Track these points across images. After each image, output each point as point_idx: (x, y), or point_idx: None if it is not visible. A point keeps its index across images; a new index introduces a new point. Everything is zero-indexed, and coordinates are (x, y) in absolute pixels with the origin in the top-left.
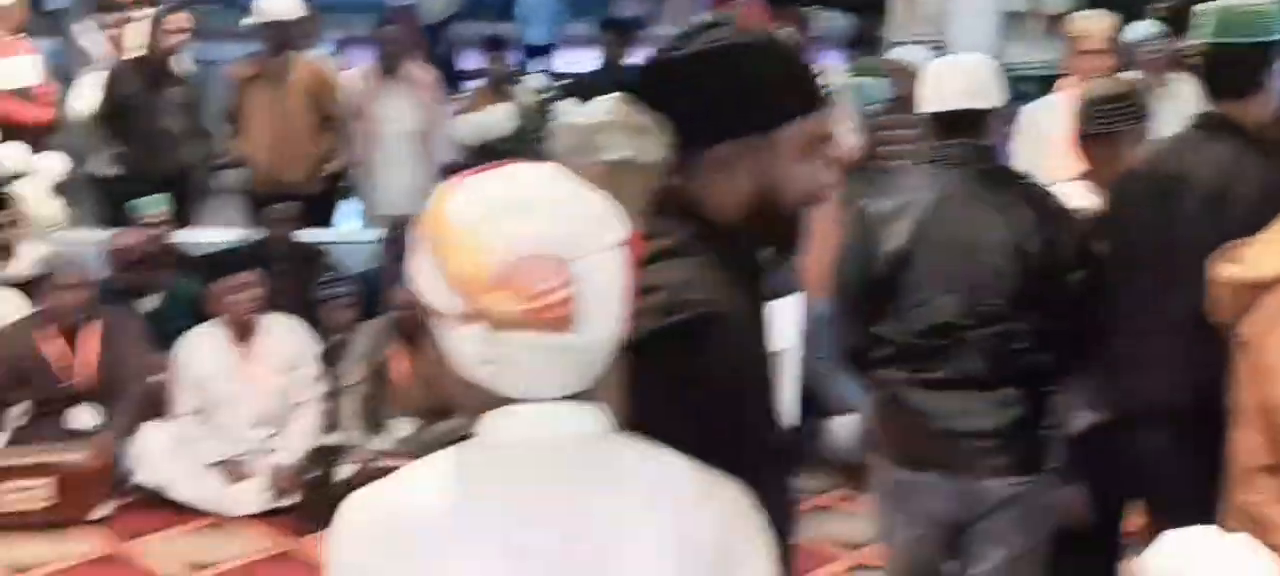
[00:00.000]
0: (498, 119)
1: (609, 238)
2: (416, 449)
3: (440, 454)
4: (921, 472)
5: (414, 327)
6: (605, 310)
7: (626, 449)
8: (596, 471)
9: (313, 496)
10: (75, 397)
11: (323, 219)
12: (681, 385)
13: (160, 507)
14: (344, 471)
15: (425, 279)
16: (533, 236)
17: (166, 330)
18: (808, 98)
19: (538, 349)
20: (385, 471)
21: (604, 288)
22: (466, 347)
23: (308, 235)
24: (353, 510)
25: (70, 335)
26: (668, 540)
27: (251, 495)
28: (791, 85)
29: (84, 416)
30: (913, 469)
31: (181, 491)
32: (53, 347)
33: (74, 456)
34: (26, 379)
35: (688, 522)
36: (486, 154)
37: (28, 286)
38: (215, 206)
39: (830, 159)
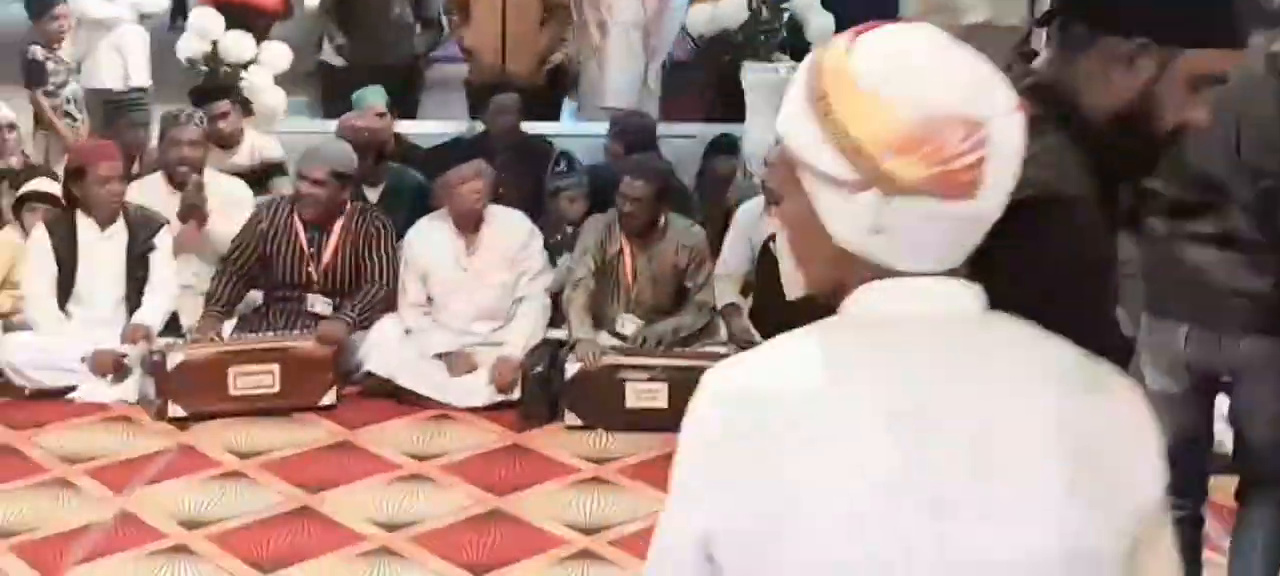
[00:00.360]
0: (732, 9)
1: (1012, 100)
2: (642, 345)
3: (802, 331)
4: (1178, 323)
5: (641, 222)
6: (1005, 176)
7: (1011, 328)
8: (981, 349)
9: (536, 391)
10: (315, 286)
11: (545, 113)
12: (1022, 265)
13: (387, 397)
14: (569, 367)
15: (806, 143)
16: (945, 97)
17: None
18: (1238, 32)
19: (935, 217)
20: (611, 369)
21: (1008, 152)
22: (853, 216)
23: (533, 128)
24: (718, 382)
25: (324, 223)
26: (1051, 425)
27: (476, 388)
28: (1240, 11)
29: (319, 305)
30: (1170, 318)
31: (407, 380)
32: (299, 232)
33: (300, 343)
34: (274, 259)
35: (1073, 410)
36: (719, 45)
37: (251, 177)
38: (439, 98)
39: (1207, 98)
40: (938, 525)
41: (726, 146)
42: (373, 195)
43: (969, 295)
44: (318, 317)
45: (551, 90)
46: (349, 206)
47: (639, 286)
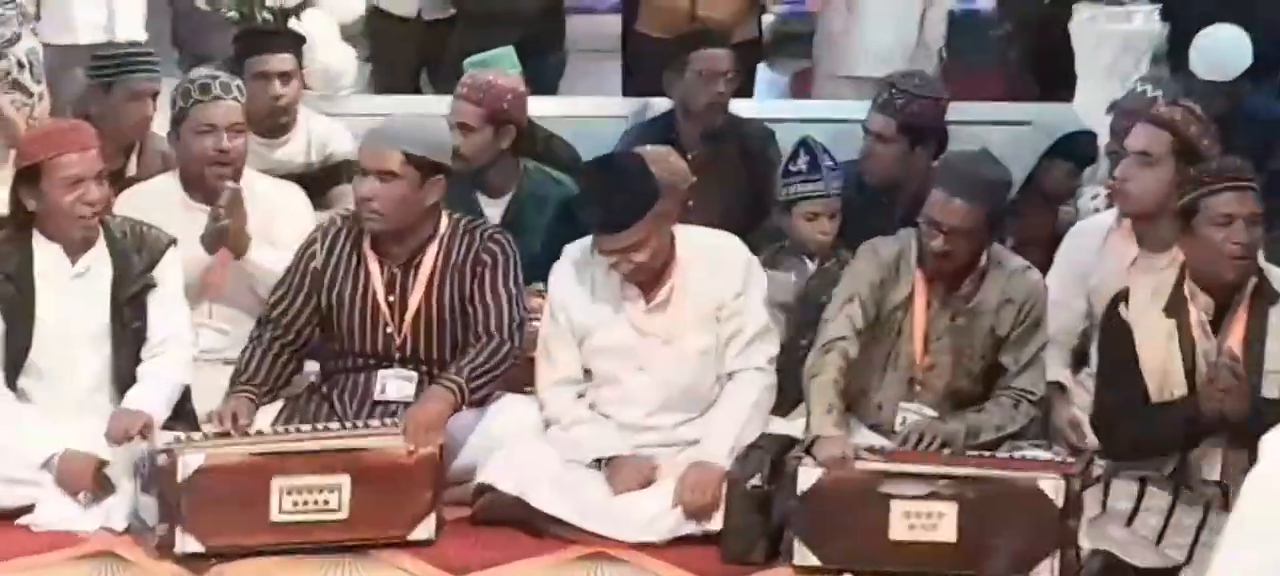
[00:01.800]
0: None
1: None
2: (918, 446)
3: None
4: None
5: (959, 264)
6: None
7: None
8: None
9: (748, 517)
10: (392, 355)
11: (743, 83)
12: None
13: (514, 525)
14: (802, 477)
15: None
16: None
17: (519, 250)
18: None
19: None
20: (870, 479)
21: None
22: None
23: (742, 108)
24: None
25: (403, 251)
26: None
27: (655, 512)
28: None
29: (398, 383)
30: None
31: (547, 500)
32: (375, 271)
33: (383, 442)
34: (337, 313)
35: None
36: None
37: (308, 180)
38: (588, 67)
39: None
40: None
41: (1073, 150)
42: (495, 212)
43: None
44: (393, 406)
45: (759, 48)
46: (446, 223)
47: (933, 358)
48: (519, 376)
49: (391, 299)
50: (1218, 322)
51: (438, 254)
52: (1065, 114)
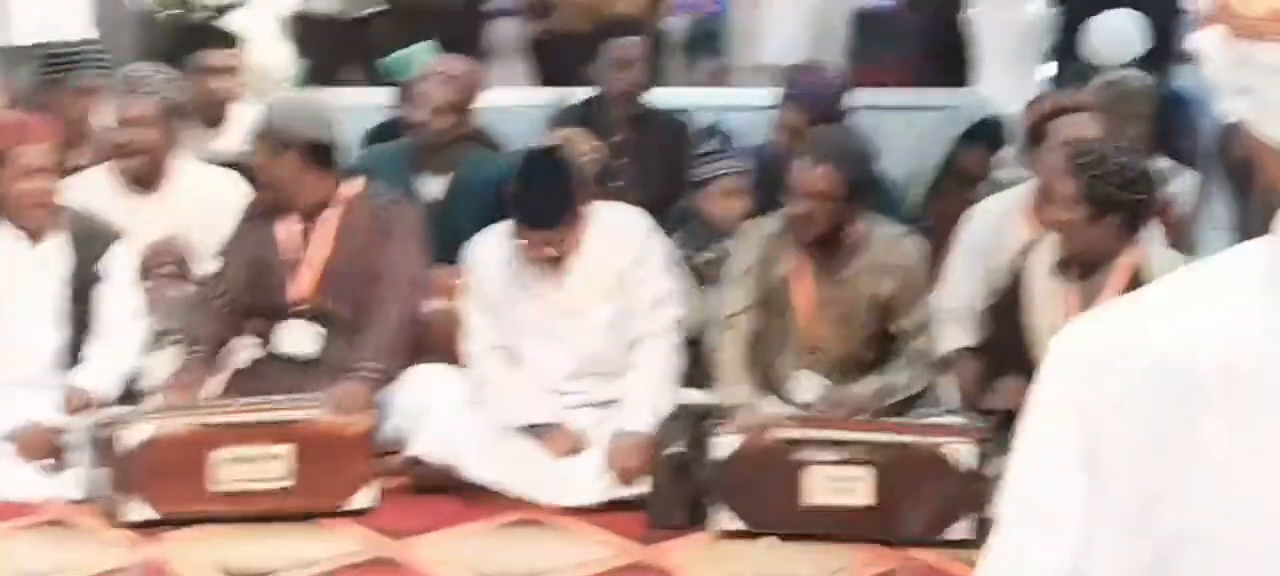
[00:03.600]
0: None
1: None
2: (829, 416)
3: (1221, 264)
4: None
5: (821, 229)
6: None
7: None
8: None
9: (671, 482)
10: (299, 310)
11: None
12: None
13: (447, 493)
14: (720, 444)
15: None
16: None
17: (454, 229)
18: None
19: None
20: (785, 447)
21: None
22: (1223, 76)
23: (658, 98)
24: (1082, 344)
25: (310, 216)
26: None
27: (582, 478)
28: None
29: (299, 336)
30: None
31: (478, 468)
32: (289, 237)
33: (318, 414)
34: (259, 284)
35: None
36: None
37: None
38: (506, 55)
39: None
40: None
41: (986, 134)
42: (436, 189)
43: None
44: (294, 363)
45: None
46: (343, 189)
47: (819, 328)
48: (436, 343)
49: (292, 257)
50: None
51: (340, 215)
52: (974, 99)
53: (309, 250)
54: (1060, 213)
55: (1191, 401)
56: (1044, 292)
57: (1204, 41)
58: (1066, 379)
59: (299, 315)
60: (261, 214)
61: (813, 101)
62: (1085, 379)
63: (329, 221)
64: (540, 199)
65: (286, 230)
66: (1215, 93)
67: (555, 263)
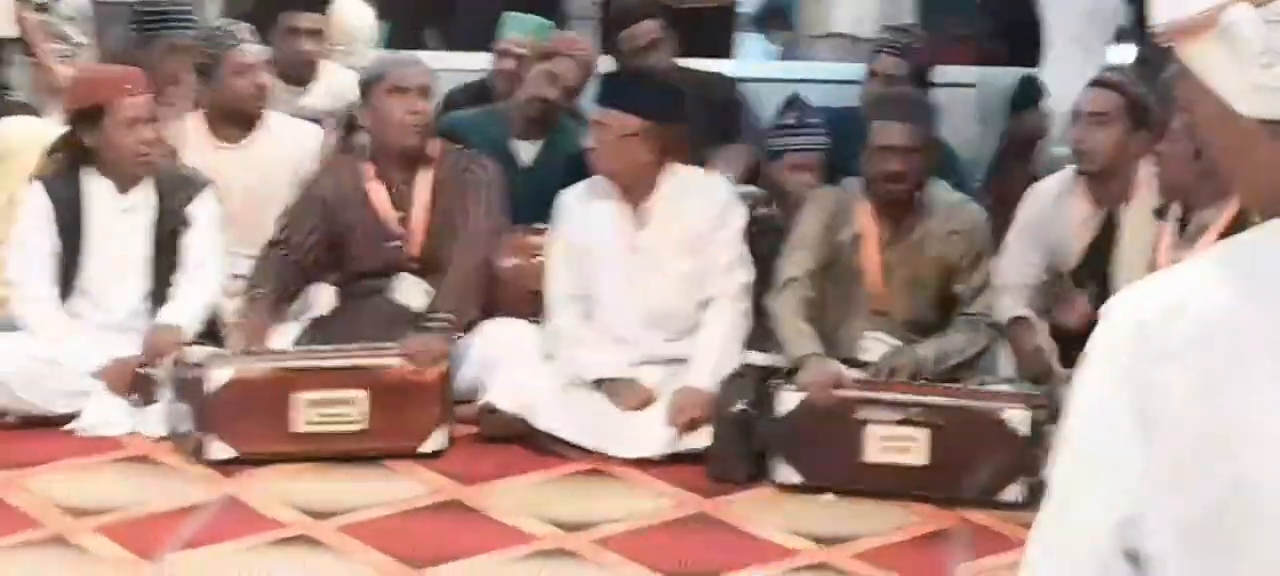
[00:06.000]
0: None
1: None
2: (891, 377)
3: (1231, 244)
4: None
5: (904, 189)
6: None
7: None
8: None
9: (734, 437)
10: (406, 265)
11: (720, 46)
12: None
13: (516, 441)
14: (782, 401)
15: None
16: None
17: (544, 194)
18: None
19: None
20: (846, 405)
21: None
22: (1237, 62)
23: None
24: (1133, 309)
25: (407, 176)
26: None
27: (646, 430)
28: None
29: (411, 291)
30: None
31: (548, 420)
32: (378, 195)
33: (397, 361)
34: (349, 239)
35: None
36: None
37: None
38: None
39: None
40: None
41: (1032, 93)
42: (528, 155)
43: None
44: (413, 317)
45: (732, 15)
46: (437, 148)
47: (891, 288)
48: (512, 299)
49: (400, 215)
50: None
51: (434, 175)
52: (1002, 76)
53: (413, 209)
54: (1164, 146)
55: (1240, 354)
56: (1141, 236)
57: (1235, 14)
58: (1116, 341)
59: (410, 270)
60: (345, 171)
61: (913, 55)
62: (1134, 339)
63: (424, 180)
64: (639, 87)
65: (376, 189)
66: (1246, 73)
67: (634, 202)
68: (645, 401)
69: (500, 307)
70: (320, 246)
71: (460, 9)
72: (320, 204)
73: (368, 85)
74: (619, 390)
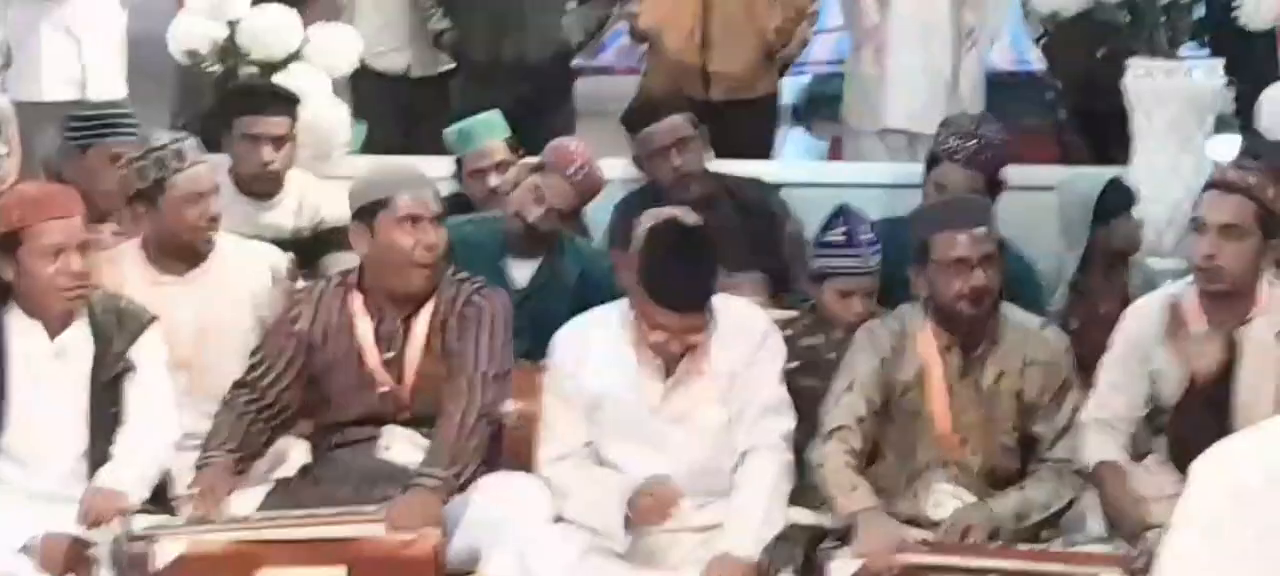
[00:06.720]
0: None
1: None
2: (965, 537)
3: None
4: None
5: (987, 310)
6: None
7: None
8: None
9: None
10: (394, 415)
11: (761, 143)
12: None
13: None
14: (838, 570)
15: None
16: None
17: (540, 320)
18: None
19: None
20: (909, 574)
21: None
22: None
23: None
24: (1232, 469)
25: (402, 311)
26: None
27: None
28: None
29: (401, 445)
30: None
31: None
32: (365, 332)
33: (381, 530)
34: (327, 379)
35: None
36: (1083, 32)
37: (300, 247)
38: (602, 128)
39: None
40: None
41: (1123, 199)
42: (522, 276)
43: None
44: (400, 475)
45: (776, 107)
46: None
47: (961, 432)
48: (514, 448)
49: (388, 357)
50: None
51: (433, 308)
52: (1084, 177)
53: (407, 349)
54: None
55: None
56: (1263, 364)
57: None
58: (1210, 502)
59: (401, 421)
60: (329, 300)
61: (983, 162)
62: (1230, 504)
63: (422, 315)
64: (690, 278)
65: (364, 324)
66: None
67: (685, 354)
68: (672, 502)
69: (501, 457)
70: (295, 392)
71: (451, 108)
72: (297, 340)
73: (370, 210)
74: (641, 501)
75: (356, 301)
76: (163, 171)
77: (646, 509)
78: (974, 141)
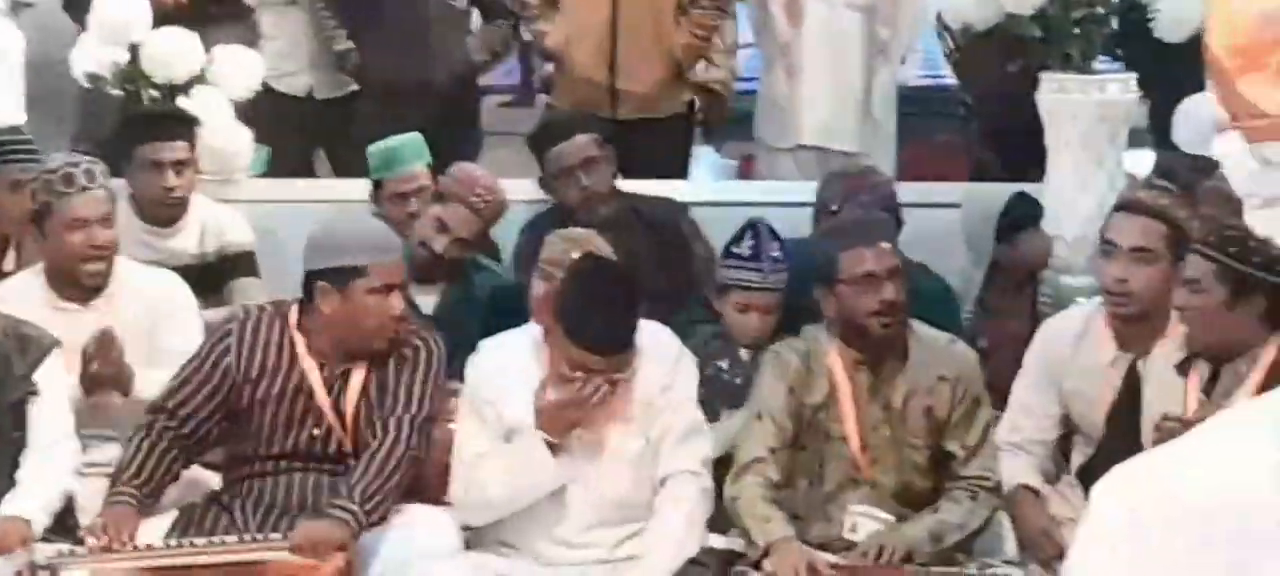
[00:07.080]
0: None
1: None
2: (879, 560)
3: (1254, 411)
4: None
5: (897, 329)
6: None
7: None
8: None
9: None
10: (335, 455)
11: (671, 162)
12: None
13: None
14: None
15: None
16: None
17: (451, 345)
18: None
19: None
20: None
21: None
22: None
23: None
24: (1130, 491)
25: (350, 362)
26: None
27: None
28: None
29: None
30: None
31: None
32: (315, 376)
33: (283, 555)
34: (256, 415)
35: None
36: (995, 47)
37: (199, 275)
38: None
39: None
40: None
41: (1030, 212)
42: (428, 302)
43: None
44: (312, 502)
45: (688, 126)
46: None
47: (873, 452)
48: (428, 480)
49: (332, 398)
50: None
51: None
52: (993, 193)
53: (347, 395)
54: (1192, 298)
55: (1243, 547)
56: (1165, 394)
57: (1224, 149)
58: (1110, 529)
59: (329, 465)
60: (266, 332)
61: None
62: (1128, 529)
63: (361, 363)
64: (615, 319)
65: (313, 369)
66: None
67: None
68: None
69: (416, 486)
70: (214, 425)
71: (356, 130)
72: (222, 374)
73: (343, 274)
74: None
75: (300, 343)
76: (49, 196)
77: (551, 414)
78: (837, 187)
